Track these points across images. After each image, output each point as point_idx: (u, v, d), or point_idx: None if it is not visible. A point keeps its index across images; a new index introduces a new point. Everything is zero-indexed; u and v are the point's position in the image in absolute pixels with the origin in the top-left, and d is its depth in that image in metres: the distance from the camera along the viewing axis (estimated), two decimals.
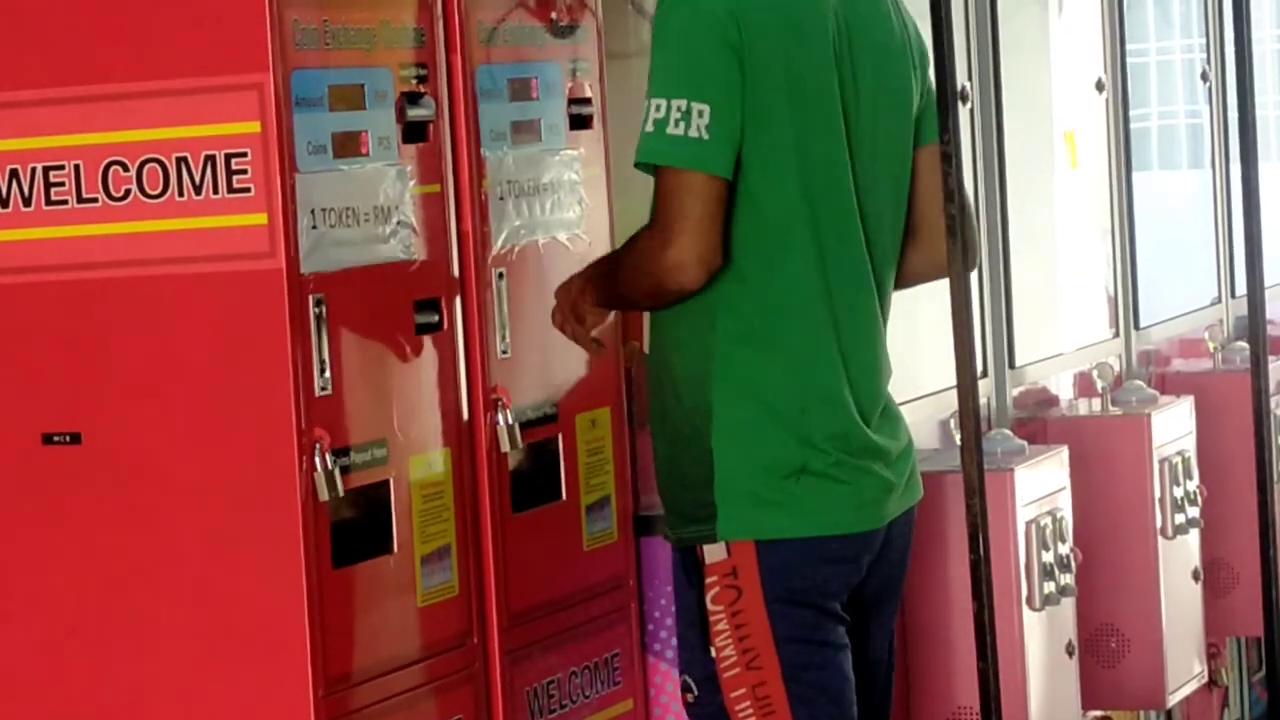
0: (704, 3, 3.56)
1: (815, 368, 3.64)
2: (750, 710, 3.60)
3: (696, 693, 3.67)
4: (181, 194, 3.47)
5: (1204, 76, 6.13)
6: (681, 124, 3.52)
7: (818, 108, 3.63)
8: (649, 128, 3.54)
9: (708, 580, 3.62)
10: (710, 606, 3.62)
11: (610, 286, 3.69)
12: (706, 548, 3.62)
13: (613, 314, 3.83)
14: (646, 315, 3.76)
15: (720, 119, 3.53)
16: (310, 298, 3.47)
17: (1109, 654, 5.02)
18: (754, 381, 3.62)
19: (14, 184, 3.54)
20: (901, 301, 3.84)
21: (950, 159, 3.74)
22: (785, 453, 3.62)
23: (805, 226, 3.62)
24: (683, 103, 3.53)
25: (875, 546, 3.70)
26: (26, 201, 3.53)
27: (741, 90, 3.56)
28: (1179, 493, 5.16)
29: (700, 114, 3.53)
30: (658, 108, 3.54)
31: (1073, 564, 4.69)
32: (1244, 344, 5.54)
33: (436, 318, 3.72)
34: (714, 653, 3.62)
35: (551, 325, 3.89)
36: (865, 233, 3.68)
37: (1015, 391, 5.14)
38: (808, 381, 3.63)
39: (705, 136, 3.53)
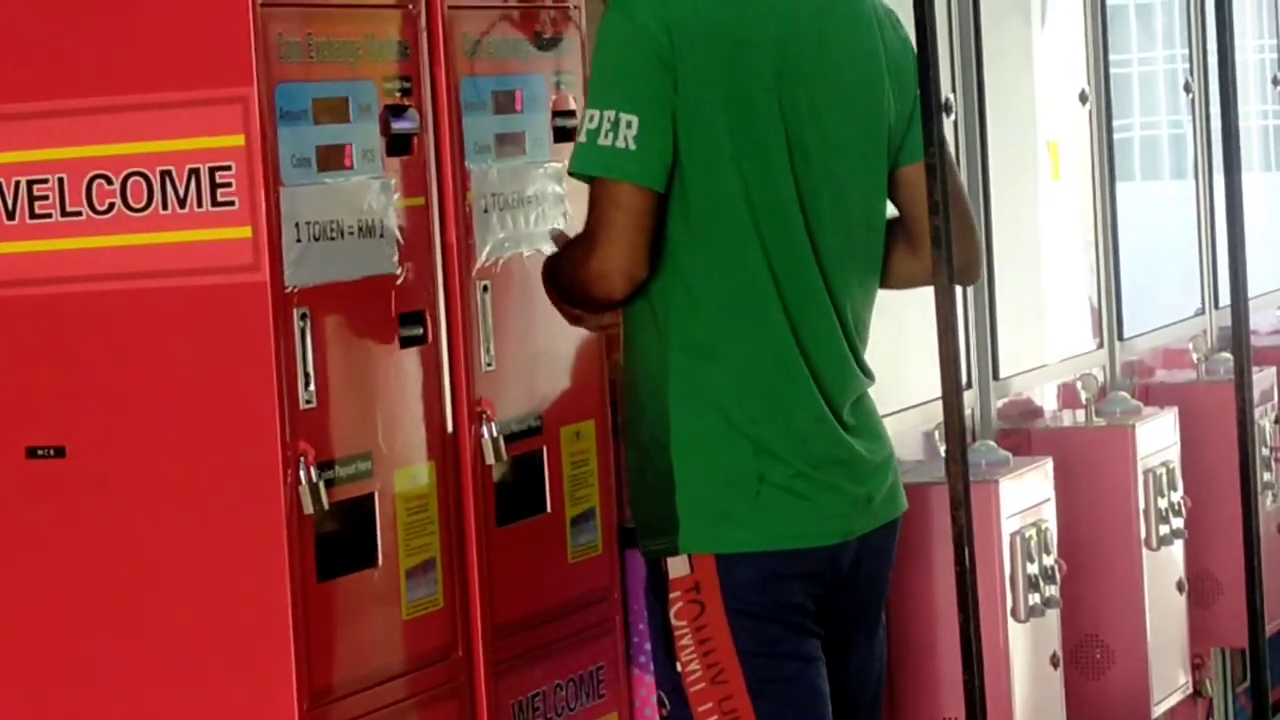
0: (638, 15, 3.57)
1: (769, 376, 3.63)
2: None
3: (669, 706, 3.66)
4: (165, 207, 3.47)
5: (1186, 87, 6.14)
6: (610, 134, 3.54)
7: (757, 120, 3.62)
8: (582, 138, 3.57)
9: (671, 595, 3.63)
10: (674, 621, 3.62)
11: (552, 290, 3.72)
12: (670, 561, 3.62)
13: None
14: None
15: (649, 130, 3.55)
16: (295, 311, 3.47)
17: (1093, 665, 5.03)
18: (707, 391, 3.62)
19: None
20: (886, 313, 3.85)
21: (935, 171, 3.74)
22: (743, 463, 3.61)
23: (748, 235, 3.62)
24: (612, 114, 3.54)
25: (844, 560, 3.68)
26: (10, 215, 3.54)
27: (672, 103, 3.56)
28: (1163, 504, 5.17)
29: (629, 125, 3.54)
30: (591, 118, 3.56)
31: (1057, 575, 4.68)
32: (1228, 355, 5.55)
33: (421, 331, 3.72)
34: (679, 667, 3.62)
35: (536, 337, 3.93)
36: (815, 240, 3.67)
37: (999, 403, 5.15)
38: (762, 390, 3.63)
39: (633, 147, 3.54)
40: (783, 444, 3.62)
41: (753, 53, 3.62)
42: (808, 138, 3.65)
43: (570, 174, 3.63)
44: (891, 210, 3.80)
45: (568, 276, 3.64)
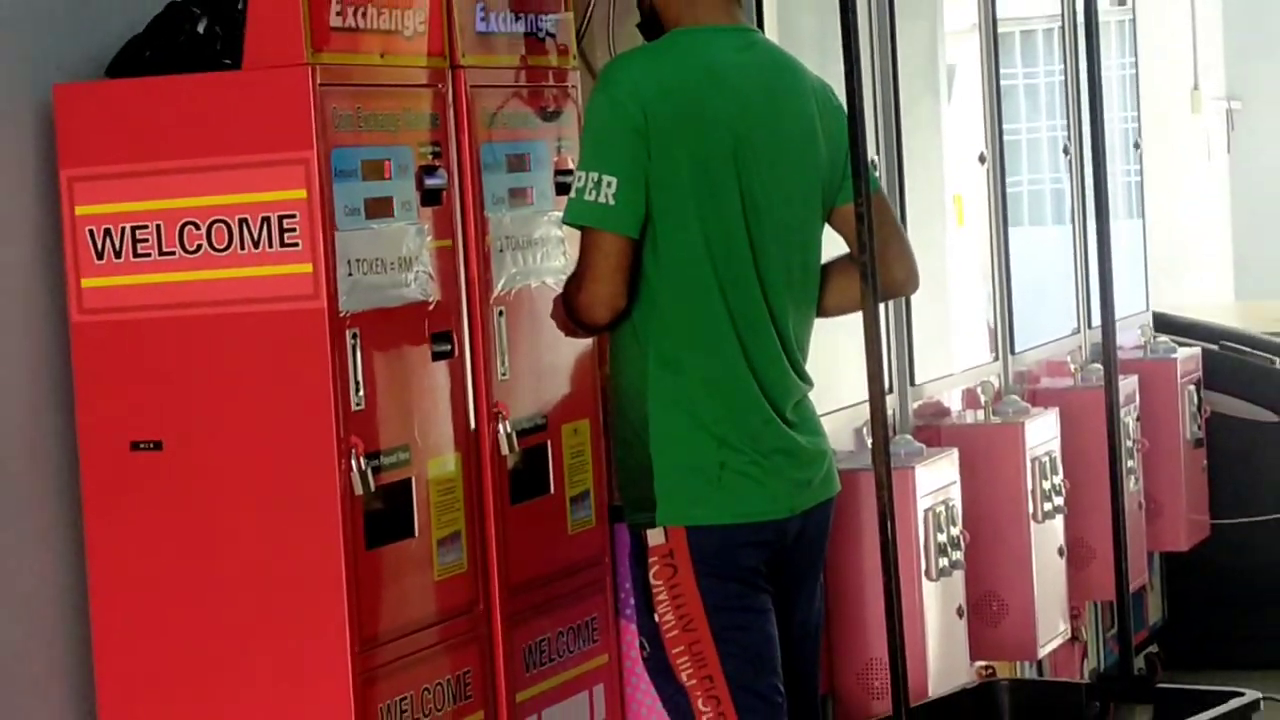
0: (617, 95, 3.59)
1: (726, 384, 3.64)
2: (688, 663, 3.61)
3: (649, 649, 3.67)
4: (243, 248, 3.49)
5: (1065, 150, 6.10)
6: (594, 192, 3.57)
7: (716, 181, 3.63)
8: (572, 194, 3.60)
9: (650, 560, 3.64)
10: (652, 581, 3.63)
11: (557, 314, 3.75)
12: (649, 533, 3.64)
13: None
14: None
15: (625, 188, 3.57)
16: (347, 331, 3.49)
17: (991, 616, 5.00)
18: (679, 397, 3.64)
19: (108, 240, 3.54)
20: (824, 332, 3.86)
21: (863, 219, 3.75)
22: (707, 454, 3.63)
23: (707, 272, 3.63)
24: (596, 175, 3.57)
25: (789, 531, 3.70)
26: (118, 254, 3.54)
27: (646, 165, 3.58)
28: (1047, 485, 5.16)
29: (609, 184, 3.56)
30: (579, 178, 3.59)
31: (961, 544, 4.71)
32: (1098, 365, 5.53)
33: (449, 347, 3.73)
34: (657, 619, 3.64)
35: (542, 353, 3.92)
36: (761, 276, 3.67)
37: (915, 404, 5.10)
38: (722, 395, 3.64)
39: (612, 203, 3.57)
40: (739, 438, 3.64)
41: (713, 127, 3.64)
42: (758, 193, 3.67)
43: (564, 224, 3.69)
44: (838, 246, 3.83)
45: (568, 306, 3.68)
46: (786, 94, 3.76)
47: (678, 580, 3.62)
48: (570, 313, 3.68)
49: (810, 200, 3.77)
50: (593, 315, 3.63)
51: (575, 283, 3.65)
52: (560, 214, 3.98)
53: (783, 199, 3.72)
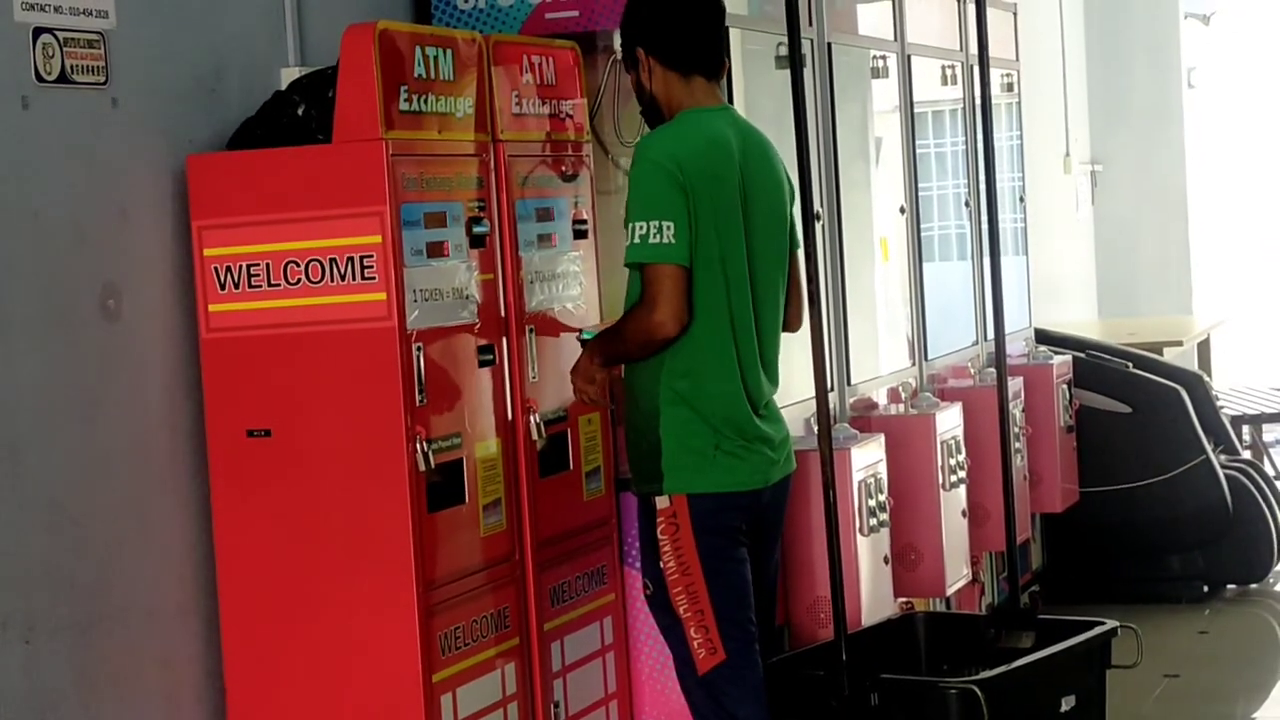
0: (660, 160, 3.57)
1: (724, 387, 3.63)
2: (684, 599, 3.61)
3: (653, 589, 3.68)
4: (333, 281, 3.49)
5: (966, 203, 6.10)
6: (657, 235, 3.53)
7: (729, 222, 3.63)
8: (635, 240, 3.54)
9: (657, 520, 3.64)
10: (659, 537, 3.63)
11: (613, 349, 3.65)
12: (657, 499, 3.64)
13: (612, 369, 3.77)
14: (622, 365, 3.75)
15: (679, 230, 3.54)
16: (413, 345, 3.48)
17: (910, 562, 4.97)
18: (685, 395, 3.63)
19: (229, 275, 3.55)
20: (785, 345, 3.85)
21: (811, 257, 3.77)
22: (704, 438, 3.63)
23: (722, 296, 3.62)
24: (656, 222, 3.53)
25: (764, 499, 3.71)
26: (237, 286, 3.55)
27: (688, 211, 3.56)
28: (953, 462, 5.11)
29: (668, 228, 3.53)
30: (640, 227, 3.54)
31: (887, 507, 4.69)
32: (992, 369, 5.47)
33: (491, 356, 3.72)
34: (661, 565, 3.64)
35: (562, 361, 3.88)
36: (756, 302, 3.68)
37: (851, 399, 5.10)
38: (720, 396, 3.63)
39: (672, 241, 3.53)
40: (728, 428, 3.63)
41: (724, 184, 3.63)
42: (754, 236, 3.67)
43: (627, 264, 3.58)
44: None
45: (634, 331, 3.57)
46: (765, 160, 3.76)
47: (679, 536, 3.61)
48: (634, 336, 3.57)
49: (783, 241, 3.77)
50: (665, 331, 3.54)
51: (646, 309, 3.54)
52: (577, 254, 4.01)
53: (767, 239, 3.71)
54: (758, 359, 3.69)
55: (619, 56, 3.88)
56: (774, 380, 3.76)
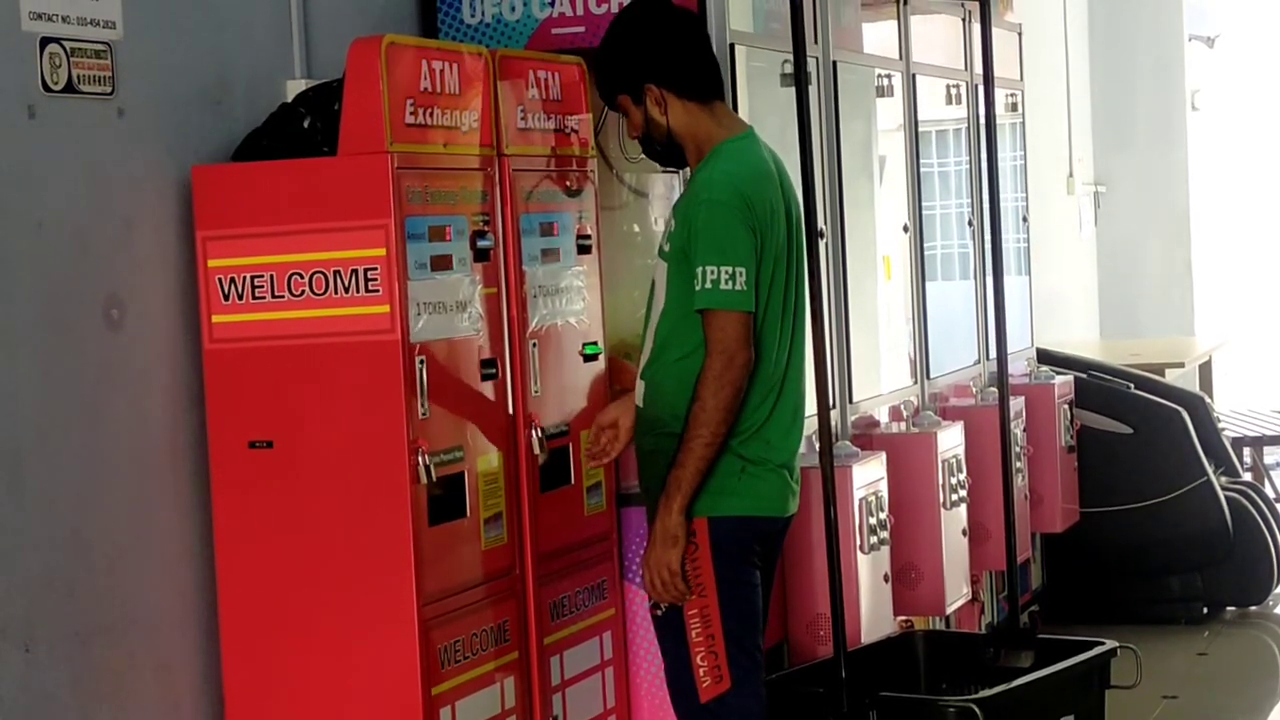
0: (730, 199, 3.49)
1: (759, 418, 3.58)
2: (697, 621, 3.56)
3: (664, 609, 3.59)
4: (337, 293, 3.48)
5: (970, 223, 6.11)
6: (730, 282, 3.46)
7: (780, 256, 3.59)
8: (708, 285, 3.46)
9: None
10: None
11: (699, 452, 3.48)
12: None
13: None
14: (640, 384, 3.63)
15: (749, 276, 3.49)
16: (416, 358, 3.47)
17: (910, 581, 4.98)
18: (734, 433, 3.54)
19: (233, 286, 3.54)
20: None
21: (814, 274, 3.75)
22: (731, 465, 3.57)
23: (774, 334, 3.58)
24: (730, 269, 3.46)
25: (778, 525, 3.66)
26: (240, 297, 3.54)
27: (755, 254, 3.50)
28: (954, 480, 5.12)
29: (740, 274, 3.47)
30: (713, 271, 3.46)
31: (888, 525, 4.69)
32: (994, 388, 5.50)
33: (494, 370, 3.70)
34: None
35: (564, 375, 3.87)
36: (794, 328, 3.64)
37: (853, 417, 5.10)
38: (752, 426, 3.57)
39: (744, 288, 3.47)
40: (755, 456, 3.57)
41: (775, 214, 3.58)
42: (791, 264, 3.64)
43: (698, 309, 3.48)
44: None
45: (721, 388, 3.45)
46: (790, 184, 3.71)
47: (698, 557, 3.55)
48: (731, 386, 3.47)
49: (802, 263, 3.73)
50: (749, 373, 3.49)
51: (724, 359, 3.44)
52: (581, 269, 4.00)
53: (799, 264, 3.68)
54: (800, 391, 3.67)
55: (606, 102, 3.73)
56: (804, 408, 3.72)
